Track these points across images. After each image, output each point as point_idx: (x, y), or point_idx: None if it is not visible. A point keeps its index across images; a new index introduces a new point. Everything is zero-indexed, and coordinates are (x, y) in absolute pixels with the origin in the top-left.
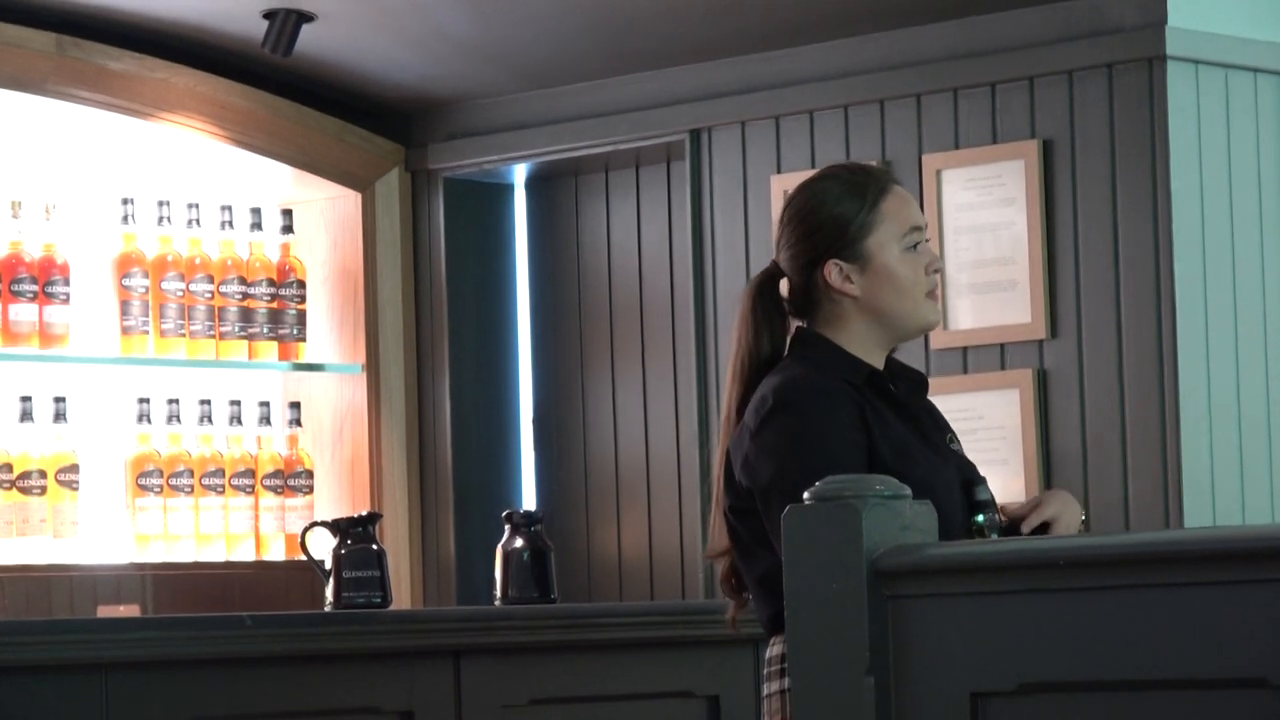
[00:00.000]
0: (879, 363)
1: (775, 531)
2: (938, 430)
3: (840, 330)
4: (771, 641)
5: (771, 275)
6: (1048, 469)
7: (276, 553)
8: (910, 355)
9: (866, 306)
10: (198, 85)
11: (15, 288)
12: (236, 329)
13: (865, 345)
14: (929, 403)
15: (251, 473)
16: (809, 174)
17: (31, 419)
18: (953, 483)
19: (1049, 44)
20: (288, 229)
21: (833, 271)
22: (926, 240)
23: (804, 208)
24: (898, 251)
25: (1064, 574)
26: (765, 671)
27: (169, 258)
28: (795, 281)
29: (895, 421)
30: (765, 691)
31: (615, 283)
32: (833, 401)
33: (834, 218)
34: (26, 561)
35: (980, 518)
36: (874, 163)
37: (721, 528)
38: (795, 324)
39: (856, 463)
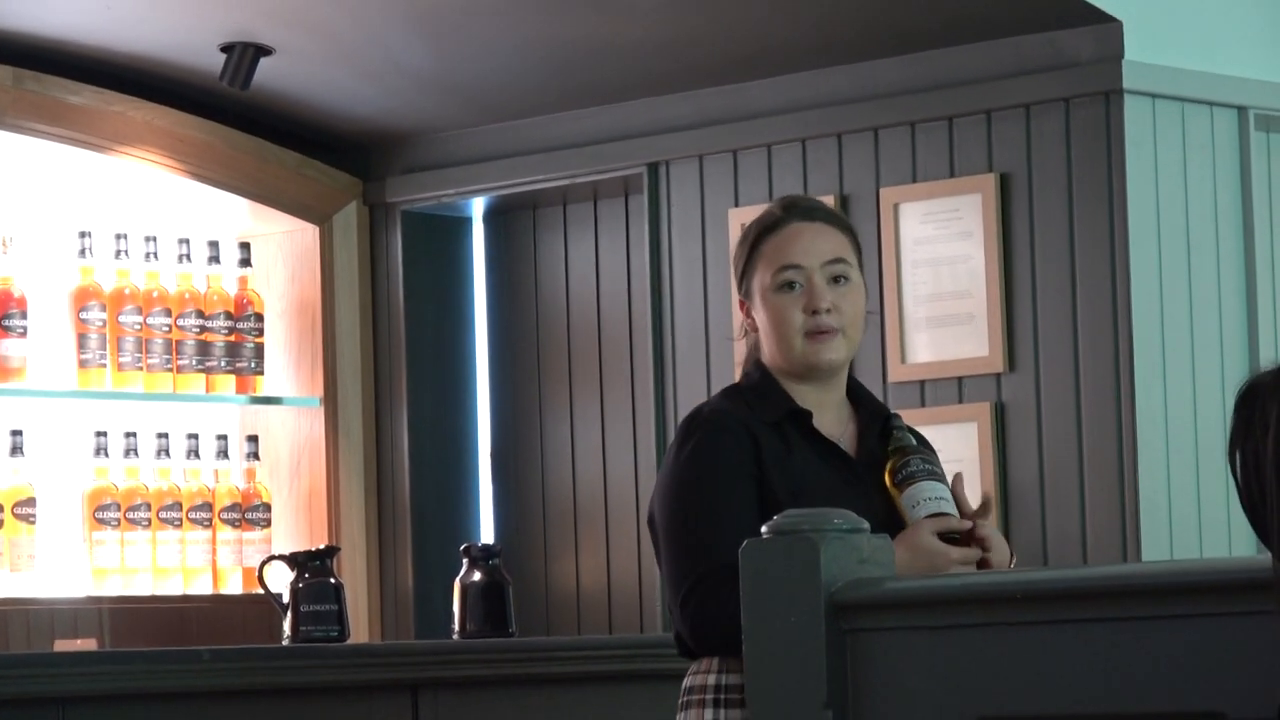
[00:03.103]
0: (805, 396)
1: (658, 558)
2: (875, 469)
3: (768, 361)
4: (691, 670)
5: None
6: (1005, 502)
7: (234, 586)
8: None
9: (764, 343)
10: (155, 119)
11: None
12: (194, 362)
13: (783, 378)
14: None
15: (209, 506)
16: (766, 208)
17: None
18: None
19: (1006, 78)
20: (245, 262)
21: (742, 306)
22: (842, 279)
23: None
24: (771, 292)
25: (1022, 608)
26: (680, 700)
27: (126, 291)
28: None
29: (810, 458)
30: None
31: (573, 316)
32: (723, 436)
33: (736, 255)
34: None
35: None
36: (822, 197)
37: None
38: None
39: (742, 499)
